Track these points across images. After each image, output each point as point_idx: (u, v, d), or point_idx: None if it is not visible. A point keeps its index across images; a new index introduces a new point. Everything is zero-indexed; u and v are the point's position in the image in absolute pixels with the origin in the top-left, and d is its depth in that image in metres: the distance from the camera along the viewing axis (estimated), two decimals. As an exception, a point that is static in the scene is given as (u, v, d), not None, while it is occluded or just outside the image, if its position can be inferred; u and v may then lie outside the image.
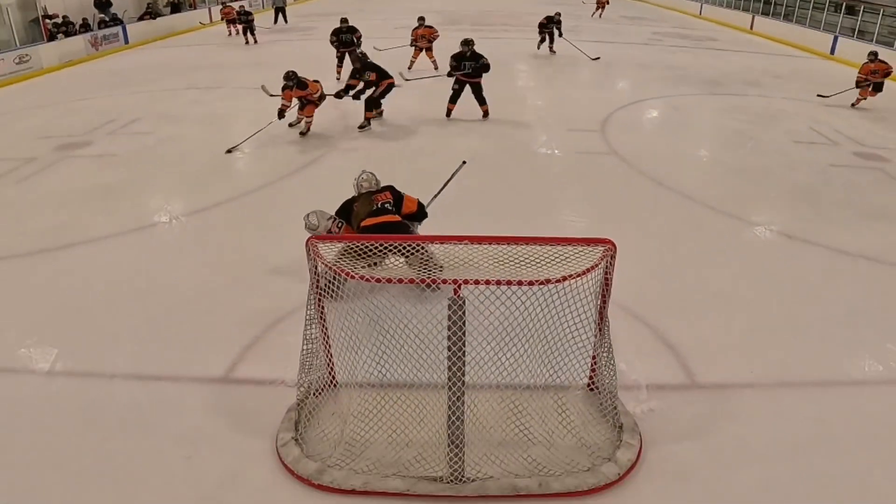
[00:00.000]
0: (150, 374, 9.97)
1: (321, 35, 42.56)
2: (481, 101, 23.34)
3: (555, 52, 38.63)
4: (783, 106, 25.69)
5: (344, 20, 31.51)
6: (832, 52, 38.13)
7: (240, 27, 42.92)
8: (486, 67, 22.91)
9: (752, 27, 47.67)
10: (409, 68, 31.39)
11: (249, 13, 42.15)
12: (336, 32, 30.84)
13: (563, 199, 16.06)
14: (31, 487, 7.99)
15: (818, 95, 21.61)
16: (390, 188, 11.85)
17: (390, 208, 11.48)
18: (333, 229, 11.31)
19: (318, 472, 7.89)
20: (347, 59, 28.72)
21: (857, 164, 19.26)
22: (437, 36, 33.24)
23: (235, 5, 47.07)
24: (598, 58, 35.56)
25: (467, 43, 23.11)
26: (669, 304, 11.64)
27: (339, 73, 30.38)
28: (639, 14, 57.42)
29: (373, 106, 22.43)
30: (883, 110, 26.25)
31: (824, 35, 39.53)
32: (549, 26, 38.11)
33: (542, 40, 38.71)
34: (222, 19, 45.99)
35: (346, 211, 11.52)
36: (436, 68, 31.25)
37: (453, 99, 23.33)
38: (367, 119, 22.32)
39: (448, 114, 23.48)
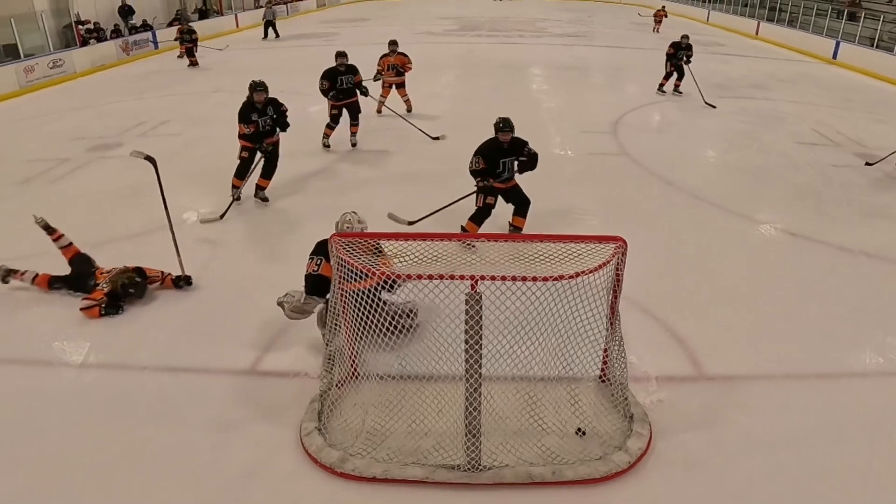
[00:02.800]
0: (179, 366, 10.04)
1: (343, 40, 42.66)
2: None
3: (681, 92, 28.95)
4: (787, 108, 25.67)
5: (342, 55, 20.97)
6: (834, 56, 38.08)
7: (183, 48, 38.09)
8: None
9: (757, 33, 47.64)
10: (378, 111, 24.70)
11: (193, 31, 37.88)
12: (330, 76, 20.45)
13: (576, 198, 16.06)
14: (64, 475, 8.04)
15: (866, 164, 21.39)
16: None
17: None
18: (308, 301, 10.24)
19: (340, 461, 7.93)
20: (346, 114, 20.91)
21: (857, 165, 19.22)
22: (411, 68, 24.98)
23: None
24: (715, 106, 27.21)
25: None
26: (678, 299, 11.68)
27: (328, 134, 20.85)
28: (647, 22, 57.45)
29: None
30: (882, 113, 26.23)
31: (827, 40, 39.46)
32: (678, 56, 28.21)
33: (669, 75, 28.70)
34: (176, 39, 40.00)
35: (324, 249, 9.79)
36: (409, 109, 24.67)
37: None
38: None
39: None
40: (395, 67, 24.33)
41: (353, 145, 20.84)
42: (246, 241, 14.16)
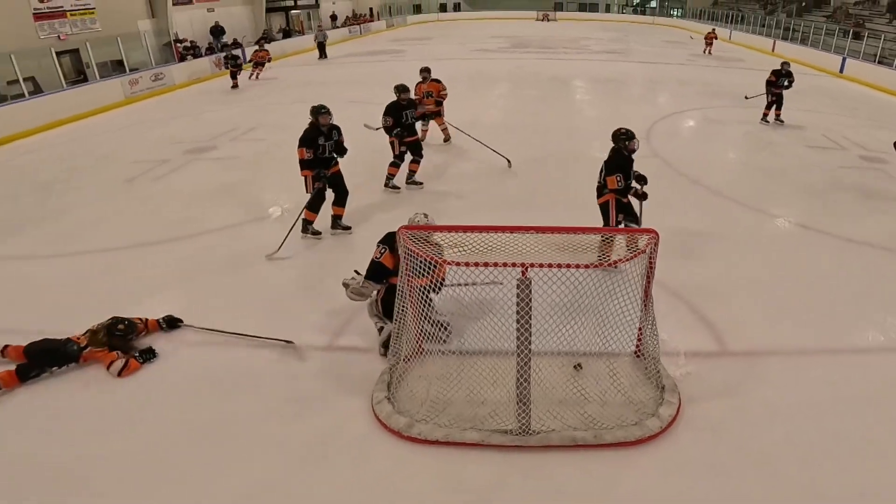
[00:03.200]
0: (266, 342, 10.10)
1: (409, 57, 42.68)
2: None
3: (783, 121, 24.86)
4: (799, 116, 25.42)
5: (404, 89, 17.30)
6: (841, 70, 37.74)
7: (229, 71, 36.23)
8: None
9: (773, 49, 47.24)
10: (446, 140, 21.63)
11: (238, 57, 36.53)
12: (394, 112, 16.97)
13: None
14: (165, 440, 8.21)
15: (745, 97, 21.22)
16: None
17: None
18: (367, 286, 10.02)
19: (407, 426, 8.07)
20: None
21: (862, 166, 19.08)
22: (446, 95, 21.10)
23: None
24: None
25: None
26: (704, 284, 11.68)
27: (394, 174, 17.28)
28: (677, 39, 56.98)
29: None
30: (884, 119, 26.10)
31: (834, 56, 39.10)
32: (779, 83, 24.13)
33: (772, 104, 24.54)
34: (249, 60, 40.10)
35: (391, 240, 9.74)
36: (446, 139, 21.57)
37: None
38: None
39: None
40: (430, 95, 20.62)
41: (416, 184, 17.27)
42: (323, 232, 14.20)
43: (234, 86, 34.96)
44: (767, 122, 25.22)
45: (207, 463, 7.83)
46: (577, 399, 8.43)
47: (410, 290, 8.44)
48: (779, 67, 24.60)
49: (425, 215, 9.90)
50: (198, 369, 9.66)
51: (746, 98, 19.46)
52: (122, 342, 9.83)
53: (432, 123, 21.70)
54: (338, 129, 14.42)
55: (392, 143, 17.05)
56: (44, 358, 9.41)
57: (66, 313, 11.22)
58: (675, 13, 78.52)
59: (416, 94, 19.89)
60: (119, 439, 8.21)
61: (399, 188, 17.01)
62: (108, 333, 9.78)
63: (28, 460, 7.89)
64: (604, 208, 12.46)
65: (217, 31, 43.87)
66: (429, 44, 55.71)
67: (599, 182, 12.63)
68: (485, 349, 8.65)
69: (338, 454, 7.90)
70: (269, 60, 39.24)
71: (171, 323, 10.61)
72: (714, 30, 49.70)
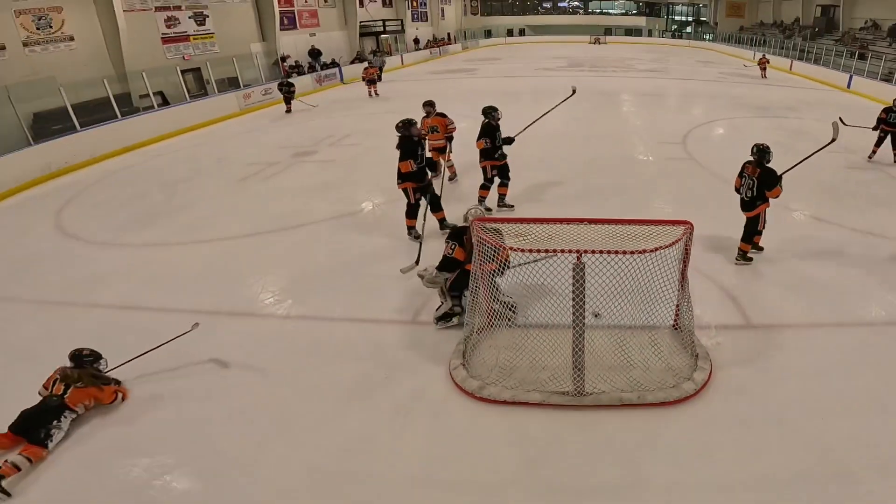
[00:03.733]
0: (359, 317, 10.33)
1: (481, 74, 42.68)
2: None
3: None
4: (813, 125, 25.02)
5: (495, 109, 14.69)
6: (848, 86, 37.11)
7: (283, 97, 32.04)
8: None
9: (791, 68, 46.54)
10: (451, 178, 17.76)
11: (292, 84, 32.35)
12: (490, 133, 14.45)
13: (655, 192, 16.03)
14: (274, 397, 8.50)
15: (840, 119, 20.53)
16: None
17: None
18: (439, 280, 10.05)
19: (479, 388, 8.21)
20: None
21: (866, 167, 18.82)
22: (454, 129, 17.01)
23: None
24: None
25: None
26: (732, 267, 11.69)
27: (485, 196, 15.02)
28: (709, 59, 56.29)
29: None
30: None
31: (842, 74, 38.49)
32: (889, 120, 19.31)
33: (881, 140, 19.68)
34: (364, 79, 37.28)
35: (459, 236, 9.80)
36: (451, 177, 17.70)
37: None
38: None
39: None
40: (435, 129, 16.88)
41: (507, 206, 15.05)
42: (398, 223, 13.95)
43: (288, 111, 31.62)
44: (871, 159, 19.83)
45: (313, 419, 8.05)
46: (623, 365, 8.51)
47: (482, 275, 8.53)
48: (890, 104, 19.64)
49: (478, 208, 10.12)
50: (303, 338, 9.87)
51: (843, 123, 18.95)
52: (96, 368, 8.71)
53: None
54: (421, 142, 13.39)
55: (484, 168, 14.72)
56: (34, 422, 7.71)
57: (193, 290, 11.61)
58: (707, 37, 77.62)
59: (421, 128, 15.58)
60: (238, 397, 8.49)
61: (491, 210, 14.90)
62: (78, 366, 8.55)
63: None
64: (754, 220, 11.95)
65: (314, 53, 43.97)
66: (498, 63, 55.38)
67: (749, 195, 11.99)
68: (545, 323, 8.66)
69: (421, 412, 8.10)
70: (378, 79, 38.20)
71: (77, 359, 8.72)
72: (764, 55, 46.96)
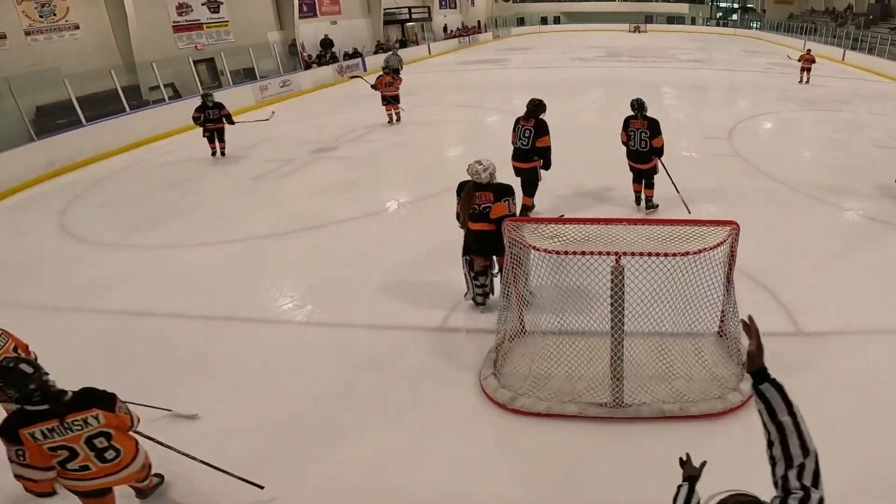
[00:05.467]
0: (383, 324, 10.36)
1: (513, 65, 42.71)
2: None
3: None
4: (867, 119, 24.94)
5: (637, 103, 14.59)
6: (905, 77, 37.09)
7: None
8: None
9: (843, 59, 46.28)
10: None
11: (219, 107, 21.37)
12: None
13: (698, 190, 15.91)
14: (292, 408, 8.52)
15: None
16: (495, 188, 9.89)
17: (487, 213, 9.87)
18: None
19: (511, 399, 8.22)
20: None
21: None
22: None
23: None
24: None
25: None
26: (780, 270, 11.64)
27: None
28: (756, 49, 56.13)
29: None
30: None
31: (899, 65, 38.45)
32: None
33: None
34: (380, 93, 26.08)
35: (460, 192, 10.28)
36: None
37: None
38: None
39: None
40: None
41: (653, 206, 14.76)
42: (434, 223, 14.09)
43: (215, 151, 21.88)
44: None
45: (334, 432, 8.06)
46: (665, 375, 8.52)
47: (514, 278, 8.58)
48: None
49: (479, 162, 9.93)
50: (325, 345, 9.92)
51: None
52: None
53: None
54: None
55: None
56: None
57: (207, 295, 11.69)
58: (754, 25, 77.35)
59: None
60: (253, 408, 8.53)
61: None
62: None
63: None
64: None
65: (326, 43, 44.14)
66: (530, 53, 55.46)
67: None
68: (582, 329, 8.71)
69: (449, 424, 8.11)
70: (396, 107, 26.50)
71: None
72: (810, 50, 38.97)
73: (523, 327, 9.12)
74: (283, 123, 26.63)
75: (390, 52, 39.53)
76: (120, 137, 23.93)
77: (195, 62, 30.89)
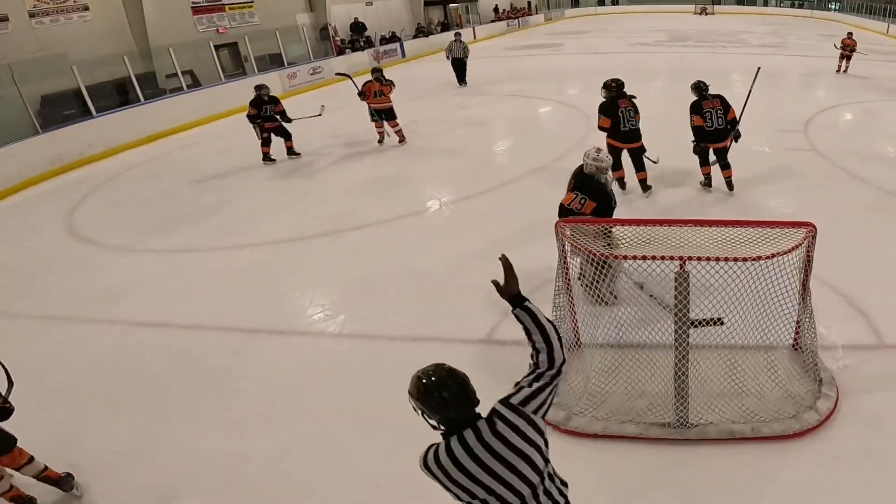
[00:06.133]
0: (423, 336, 10.39)
1: (568, 51, 42.56)
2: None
3: None
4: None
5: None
6: None
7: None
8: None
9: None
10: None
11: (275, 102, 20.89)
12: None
13: (771, 188, 15.94)
14: (325, 427, 8.60)
15: None
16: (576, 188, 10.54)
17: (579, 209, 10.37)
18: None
19: (565, 419, 8.24)
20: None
21: None
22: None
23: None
24: None
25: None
26: (861, 277, 11.55)
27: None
28: (833, 32, 55.76)
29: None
30: None
31: None
32: None
33: None
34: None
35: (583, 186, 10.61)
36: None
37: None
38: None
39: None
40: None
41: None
42: (480, 225, 14.35)
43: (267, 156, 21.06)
44: None
45: (370, 455, 8.13)
46: (734, 392, 8.48)
47: (569, 283, 8.61)
48: None
49: (598, 150, 10.48)
50: (360, 359, 9.96)
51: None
52: None
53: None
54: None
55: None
56: None
57: (229, 304, 11.76)
58: (833, 6, 76.81)
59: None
60: (281, 429, 8.61)
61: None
62: None
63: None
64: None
65: (358, 27, 44.29)
66: (586, 38, 55.42)
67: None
68: (642, 342, 8.74)
69: None
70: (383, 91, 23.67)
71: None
72: (851, 34, 35.96)
73: (578, 339, 9.14)
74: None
75: (452, 39, 33.29)
76: (134, 130, 24.11)
77: (216, 47, 30.93)
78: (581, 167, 10.79)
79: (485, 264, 11.99)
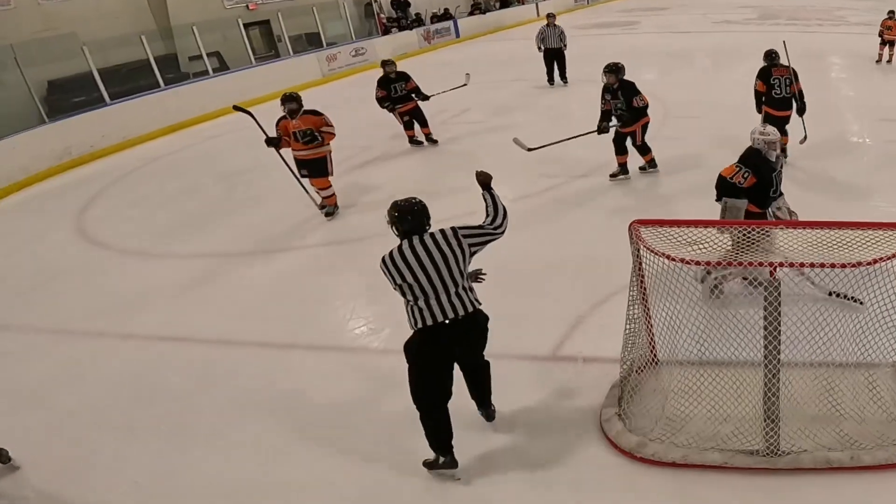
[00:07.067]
0: (479, 351, 10.36)
1: (644, 29, 42.52)
2: None
3: None
4: None
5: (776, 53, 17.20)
6: None
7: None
8: None
9: None
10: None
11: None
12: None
13: (873, 185, 15.82)
14: (368, 457, 8.66)
15: None
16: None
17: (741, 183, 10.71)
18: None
19: (639, 446, 8.25)
20: None
21: None
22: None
23: None
24: None
25: None
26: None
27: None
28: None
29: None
30: None
31: None
32: None
33: None
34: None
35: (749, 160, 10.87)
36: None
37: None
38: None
39: None
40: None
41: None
42: (544, 228, 14.45)
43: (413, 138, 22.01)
44: None
45: (420, 485, 8.21)
46: (831, 416, 8.41)
47: (644, 292, 8.71)
48: None
49: (763, 125, 11.03)
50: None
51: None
52: None
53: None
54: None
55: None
56: None
57: (260, 316, 11.93)
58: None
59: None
60: (320, 457, 8.72)
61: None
62: None
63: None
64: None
65: (401, 3, 44.09)
66: (665, 14, 55.16)
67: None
68: (728, 359, 8.64)
69: (561, 476, 8.11)
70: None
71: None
72: (893, 13, 32.61)
73: (655, 356, 9.21)
74: (357, 102, 26.78)
75: (545, 24, 29.87)
76: (152, 119, 24.40)
77: (246, 26, 31.14)
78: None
79: (549, 272, 12.22)
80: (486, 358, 8.86)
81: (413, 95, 20.42)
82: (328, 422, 9.31)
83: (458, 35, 42.90)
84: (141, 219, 16.68)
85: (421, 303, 7.95)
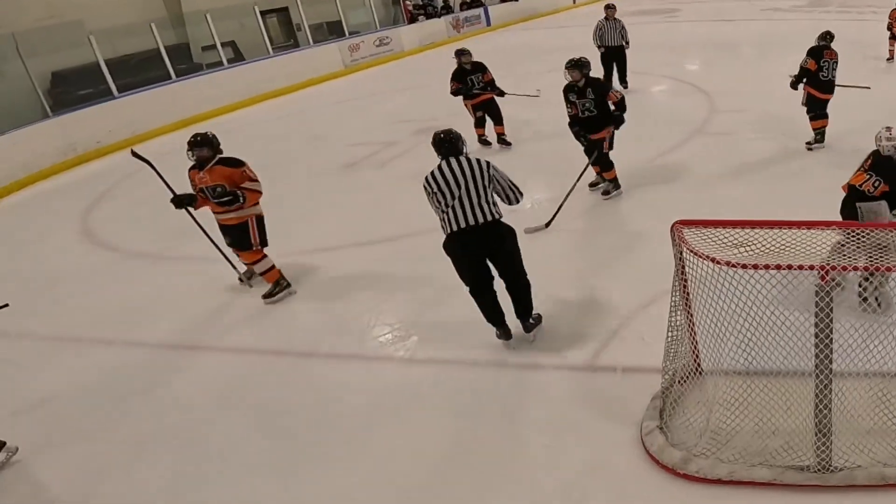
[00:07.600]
0: (512, 361, 10.46)
1: (685, 17, 42.52)
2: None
3: None
4: None
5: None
6: None
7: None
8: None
9: None
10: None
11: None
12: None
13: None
14: (396, 469, 8.68)
15: None
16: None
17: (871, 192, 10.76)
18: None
19: (682, 461, 8.25)
20: None
21: None
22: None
23: None
24: None
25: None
26: None
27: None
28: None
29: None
30: None
31: None
32: None
33: None
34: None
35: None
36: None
37: None
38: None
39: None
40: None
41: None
42: (582, 232, 14.64)
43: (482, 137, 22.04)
44: None
45: (449, 500, 8.23)
46: (887, 429, 8.42)
47: (687, 298, 8.75)
48: None
49: (888, 128, 10.94)
50: (432, 387, 10.15)
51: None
52: None
53: None
54: None
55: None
56: None
57: (277, 324, 12.11)
58: None
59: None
60: (344, 469, 8.75)
61: None
62: None
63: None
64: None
65: (430, -8, 44.40)
66: (708, 1, 55.02)
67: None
68: (777, 369, 8.66)
69: (599, 493, 8.10)
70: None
71: None
72: None
73: (699, 366, 9.19)
74: (381, 95, 26.82)
75: (603, 17, 28.53)
76: (163, 113, 24.53)
77: (263, 13, 31.26)
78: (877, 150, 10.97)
79: (584, 276, 12.22)
80: (527, 277, 10.74)
81: (488, 88, 20.22)
82: (349, 436, 9.31)
83: (489, 23, 42.97)
84: (150, 219, 16.73)
85: (450, 211, 10.26)
